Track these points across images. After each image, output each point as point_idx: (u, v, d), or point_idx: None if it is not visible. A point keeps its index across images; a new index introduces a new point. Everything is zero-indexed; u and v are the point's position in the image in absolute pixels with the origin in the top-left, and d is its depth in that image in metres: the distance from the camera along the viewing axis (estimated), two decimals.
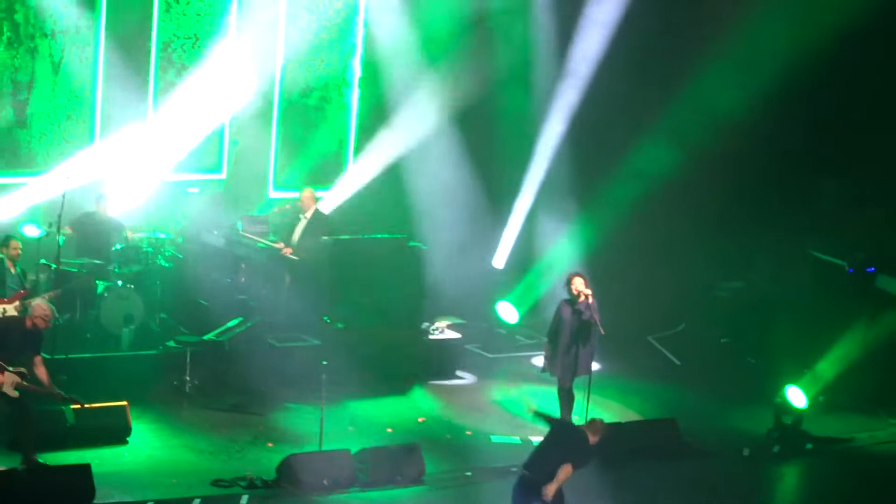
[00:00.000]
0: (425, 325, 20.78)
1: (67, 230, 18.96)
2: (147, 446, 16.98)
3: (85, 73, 20.43)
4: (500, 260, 22.73)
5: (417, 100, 22.03)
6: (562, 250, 21.41)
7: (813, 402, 18.91)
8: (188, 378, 18.56)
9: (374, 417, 18.41)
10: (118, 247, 19.62)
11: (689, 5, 20.71)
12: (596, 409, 18.26)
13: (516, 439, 18.19)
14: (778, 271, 21.03)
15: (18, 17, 19.72)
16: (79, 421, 16.55)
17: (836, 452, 18.77)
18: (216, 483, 15.86)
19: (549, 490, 13.68)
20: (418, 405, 19.16)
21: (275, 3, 21.51)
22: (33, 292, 17.35)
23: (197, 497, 15.49)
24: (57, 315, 16.70)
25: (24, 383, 15.53)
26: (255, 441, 17.38)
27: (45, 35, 20.04)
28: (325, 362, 16.60)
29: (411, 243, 21.02)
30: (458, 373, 20.89)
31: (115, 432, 16.87)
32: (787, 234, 20.97)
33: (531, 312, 21.89)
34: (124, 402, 17.05)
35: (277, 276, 20.17)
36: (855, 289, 20.51)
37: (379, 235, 20.93)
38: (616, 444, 17.48)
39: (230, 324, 19.24)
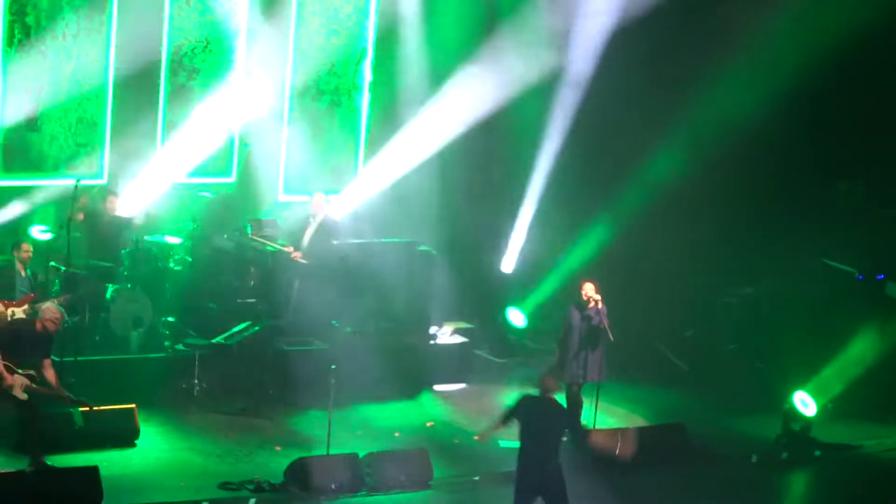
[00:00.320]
0: (434, 329, 20.81)
1: (79, 217, 18.96)
2: (155, 449, 17.05)
3: (96, 76, 20.38)
4: (508, 265, 22.70)
5: (429, 105, 21.98)
6: (571, 256, 21.36)
7: (822, 409, 18.94)
8: (197, 381, 18.61)
9: (382, 421, 18.48)
10: (127, 249, 19.59)
11: (700, 14, 20.65)
12: (604, 415, 18.43)
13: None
14: (787, 277, 20.99)
15: (29, 19, 19.72)
16: (87, 423, 16.59)
17: (844, 459, 18.81)
18: (224, 486, 15.92)
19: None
20: (426, 410, 19.23)
21: (286, 9, 21.49)
22: (43, 295, 17.32)
23: (205, 500, 15.56)
24: (66, 318, 16.72)
25: (34, 386, 15.61)
26: (263, 444, 17.44)
27: (56, 37, 19.98)
28: (333, 366, 16.65)
29: (421, 248, 21.00)
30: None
31: (124, 435, 16.94)
32: (797, 241, 20.92)
33: (539, 318, 21.93)
34: (133, 405, 17.14)
35: (286, 279, 20.12)
36: (865, 296, 20.49)
37: (388, 240, 20.93)
38: (616, 449, 17.67)
39: (239, 327, 19.24)
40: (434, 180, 22.13)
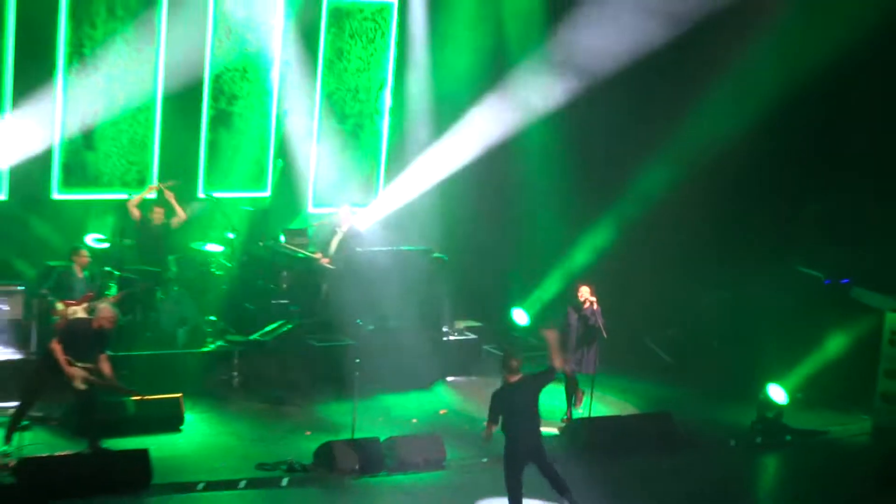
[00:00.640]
0: (446, 327, 20.84)
1: (136, 214, 19.29)
2: (198, 434, 17.12)
3: (144, 100, 20.42)
4: (511, 270, 22.69)
5: (445, 129, 22.02)
6: (569, 262, 21.37)
7: (792, 398, 18.95)
8: (235, 373, 18.76)
9: (401, 409, 18.48)
10: (174, 256, 19.71)
11: (686, 50, 20.61)
12: (598, 403, 18.39)
13: None
14: (763, 281, 20.92)
15: (86, 50, 19.78)
16: (138, 411, 16.62)
17: (812, 443, 18.75)
18: (260, 467, 15.94)
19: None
20: (440, 399, 19.24)
21: (315, 42, 21.51)
22: (99, 296, 17.41)
23: (243, 479, 15.58)
24: (120, 317, 16.79)
25: (91, 377, 15.64)
26: (294, 430, 17.48)
27: (110, 66, 20.02)
28: (358, 360, 16.69)
29: (435, 255, 20.99)
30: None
31: (171, 421, 17.00)
32: (773, 249, 20.91)
33: (541, 317, 21.85)
34: (179, 395, 17.20)
35: (315, 283, 20.21)
36: (831, 298, 20.44)
37: (406, 248, 20.91)
38: (615, 434, 17.70)
39: (273, 325, 19.29)
40: (447, 195, 22.15)
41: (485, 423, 14.31)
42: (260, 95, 21.41)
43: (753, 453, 18.43)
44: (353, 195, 21.78)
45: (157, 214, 19.79)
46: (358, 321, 19.61)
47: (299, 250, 20.48)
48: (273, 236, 20.91)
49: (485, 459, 16.58)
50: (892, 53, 19.20)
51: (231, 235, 20.67)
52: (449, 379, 20.13)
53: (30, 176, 19.69)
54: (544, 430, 18.05)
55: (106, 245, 19.34)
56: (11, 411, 15.72)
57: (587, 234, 21.58)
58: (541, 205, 22.19)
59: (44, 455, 15.10)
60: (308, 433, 17.23)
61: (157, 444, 15.99)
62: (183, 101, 20.66)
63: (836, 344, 19.52)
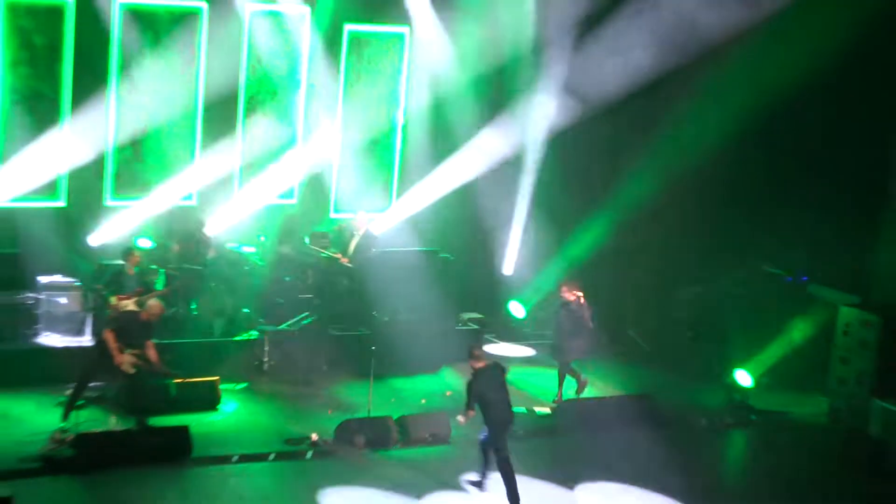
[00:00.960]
0: (452, 319, 20.85)
1: (175, 248, 19.22)
2: (233, 412, 17.23)
3: (187, 118, 20.41)
4: (509, 268, 22.74)
5: (451, 146, 22.07)
6: (559, 261, 21.37)
7: (757, 382, 19.01)
8: (266, 359, 18.80)
9: (411, 391, 18.53)
10: (212, 256, 19.74)
11: (669, 74, 20.57)
12: (588, 387, 18.45)
13: (523, 409, 18.20)
14: (732, 278, 20.86)
15: (134, 72, 19.74)
16: (180, 392, 16.78)
17: (775, 422, 18.82)
18: (287, 441, 16.10)
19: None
20: (446, 382, 19.21)
21: (337, 66, 21.52)
22: (147, 291, 17.49)
23: (272, 452, 15.74)
24: (165, 309, 16.92)
25: (139, 362, 15.80)
26: (317, 409, 17.53)
27: (155, 85, 20.01)
28: (373, 348, 16.81)
29: (442, 255, 21.02)
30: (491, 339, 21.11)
31: (209, 401, 17.12)
32: (741, 250, 20.86)
33: (535, 309, 21.89)
34: (216, 378, 17.31)
35: (336, 279, 20.22)
36: (792, 294, 20.44)
37: (416, 249, 20.95)
38: (601, 414, 17.76)
39: (299, 316, 19.47)
40: (452, 203, 22.10)
41: (462, 414, 14.60)
42: (288, 115, 21.35)
43: (723, 431, 18.46)
44: (369, 203, 21.73)
45: (196, 221, 19.86)
46: (374, 313, 19.58)
47: (322, 251, 20.50)
48: (300, 238, 20.94)
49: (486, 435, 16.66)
50: (847, 77, 19.17)
51: (262, 238, 20.75)
52: (454, 364, 19.83)
53: (86, 185, 19.68)
54: (537, 409, 18.36)
55: (152, 246, 19.37)
56: (69, 392, 15.88)
57: (578, 236, 21.44)
58: (537, 211, 22.16)
59: (97, 431, 15.29)
60: (330, 412, 17.28)
61: (197, 422, 16.17)
62: (220, 118, 20.59)
63: (796, 334, 19.50)
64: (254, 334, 18.99)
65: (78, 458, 14.62)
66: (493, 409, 14.48)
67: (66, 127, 19.28)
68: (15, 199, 19.03)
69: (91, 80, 19.39)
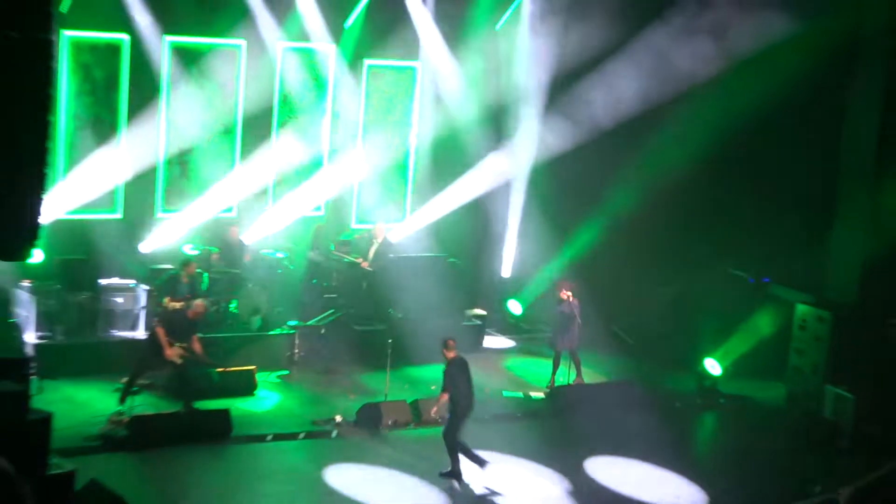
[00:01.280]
0: (459, 314, 20.86)
1: (215, 257, 19.29)
2: (268, 397, 17.29)
3: (227, 140, 20.44)
4: (507, 271, 22.82)
5: (459, 165, 22.12)
6: (552, 265, 21.39)
7: (725, 370, 19.05)
8: (296, 351, 18.84)
9: (423, 378, 18.50)
10: (248, 261, 19.79)
11: (649, 105, 20.54)
12: (575, 374, 18.48)
13: (519, 394, 18.38)
14: (703, 280, 20.75)
15: (180, 100, 19.77)
16: (222, 380, 16.89)
17: (740, 405, 18.87)
18: (315, 422, 16.18)
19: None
20: None
21: (358, 95, 21.61)
22: (196, 297, 17.42)
23: (302, 432, 15.85)
24: (209, 308, 17.02)
25: (186, 354, 15.90)
26: (341, 394, 17.61)
27: (200, 116, 20.05)
28: (390, 341, 16.88)
29: (450, 260, 21.07)
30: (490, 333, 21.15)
31: (246, 387, 17.19)
32: (710, 255, 20.74)
33: (530, 307, 21.95)
34: (253, 367, 17.40)
35: (357, 282, 20.24)
36: (755, 293, 20.38)
37: (427, 255, 21.04)
38: (588, 398, 17.82)
39: (325, 314, 19.51)
40: (459, 215, 22.10)
41: (439, 404, 14.80)
42: (315, 139, 21.39)
43: (694, 412, 18.54)
44: (386, 215, 21.70)
45: (234, 231, 19.90)
46: (390, 311, 19.61)
47: (345, 256, 20.51)
48: (325, 245, 20.92)
49: (486, 417, 16.73)
50: (797, 102, 19.18)
51: (291, 245, 20.78)
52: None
53: (139, 198, 19.73)
54: (532, 394, 18.42)
55: (197, 252, 19.43)
56: (125, 380, 15.97)
57: (569, 243, 21.39)
58: (532, 222, 22.11)
59: (150, 413, 15.41)
60: (352, 396, 17.37)
61: (236, 405, 16.26)
62: (256, 140, 20.57)
63: (758, 328, 19.48)
64: (286, 329, 19.00)
65: (132, 437, 14.74)
66: (461, 397, 14.55)
67: (122, 148, 19.34)
68: (79, 211, 19.07)
69: (143, 106, 19.43)
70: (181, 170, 20.21)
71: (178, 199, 20.18)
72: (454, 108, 22.11)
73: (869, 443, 16.60)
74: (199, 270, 18.26)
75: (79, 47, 18.88)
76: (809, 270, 19.35)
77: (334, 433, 15.92)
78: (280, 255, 20.37)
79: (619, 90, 20.80)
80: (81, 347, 17.52)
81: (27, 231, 10.18)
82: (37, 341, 17.21)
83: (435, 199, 21.95)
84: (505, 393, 18.39)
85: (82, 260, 18.48)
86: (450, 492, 14.32)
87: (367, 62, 21.53)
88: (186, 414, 15.63)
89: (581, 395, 17.98)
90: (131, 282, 18.57)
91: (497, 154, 22.10)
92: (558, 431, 16.83)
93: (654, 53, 20.37)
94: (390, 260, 20.31)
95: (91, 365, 17.07)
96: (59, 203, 18.61)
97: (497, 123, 22.27)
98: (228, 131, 20.41)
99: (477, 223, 22.43)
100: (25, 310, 17.56)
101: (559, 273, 20.59)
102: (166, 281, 18.01)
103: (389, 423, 16.16)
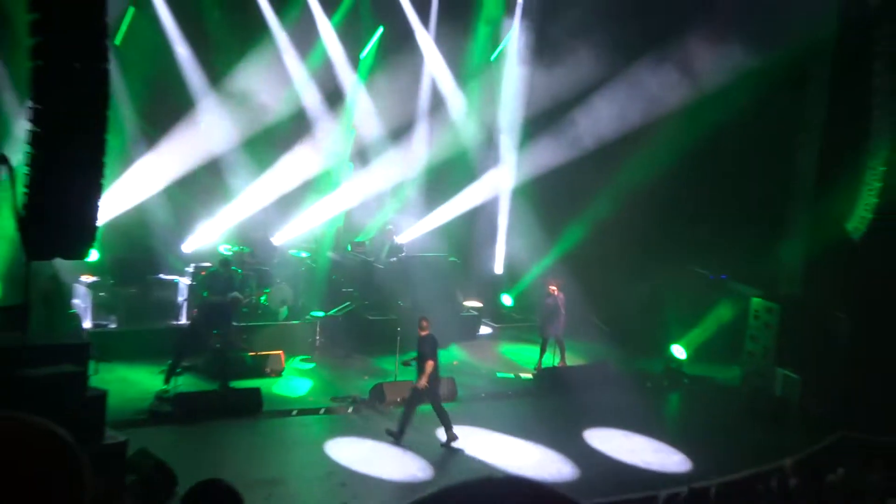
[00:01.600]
0: (458, 307, 20.94)
1: (248, 254, 19.23)
2: (293, 377, 17.29)
3: (261, 152, 20.40)
4: (499, 268, 22.84)
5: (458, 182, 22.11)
6: (540, 263, 21.42)
7: (689, 354, 19.08)
8: (318, 337, 18.86)
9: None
10: (276, 259, 19.88)
11: (626, 129, 20.64)
12: (558, 358, 18.55)
13: (511, 375, 18.43)
14: (671, 277, 20.77)
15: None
16: (253, 362, 16.89)
17: (702, 385, 18.88)
18: (334, 399, 16.19)
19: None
20: (453, 354, 19.18)
21: (373, 113, 21.62)
22: (230, 289, 17.37)
23: (322, 407, 15.86)
24: (242, 300, 17.06)
25: (222, 339, 15.92)
26: (356, 375, 17.58)
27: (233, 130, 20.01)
28: (399, 329, 16.92)
29: (451, 258, 21.09)
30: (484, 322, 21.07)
31: (275, 369, 17.16)
32: (677, 255, 20.79)
33: (520, 300, 22.00)
34: (280, 351, 17.42)
35: (370, 278, 20.30)
36: (715, 288, 20.46)
37: (431, 254, 21.02)
38: (571, 378, 17.85)
39: (343, 305, 19.56)
40: (460, 221, 22.10)
41: (424, 378, 14.55)
42: (335, 154, 21.40)
43: (662, 392, 18.56)
44: (396, 220, 21.75)
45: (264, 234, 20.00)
46: (399, 303, 19.63)
47: (360, 256, 20.62)
48: (343, 246, 21.04)
49: (483, 395, 16.79)
50: (753, 126, 19.24)
51: (314, 246, 20.82)
52: (458, 341, 19.97)
53: (182, 203, 19.67)
54: (522, 375, 18.44)
55: (232, 251, 19.49)
56: (170, 362, 15.96)
57: (555, 243, 21.39)
58: (522, 224, 22.16)
59: (191, 391, 15.44)
60: (366, 377, 17.37)
61: (266, 385, 16.28)
62: (283, 153, 20.51)
63: (717, 318, 19.52)
64: (309, 319, 19.03)
65: (176, 412, 14.78)
66: (436, 370, 14.54)
67: (166, 157, 19.29)
68: (130, 215, 19.07)
69: (184, 119, 19.44)
70: (218, 177, 20.17)
71: (216, 203, 20.15)
72: (458, 131, 22.18)
73: (813, 418, 16.63)
74: (234, 268, 18.36)
75: (131, 70, 18.89)
76: (761, 269, 19.39)
77: (350, 409, 15.97)
78: (304, 254, 20.41)
79: (599, 114, 20.84)
80: (132, 334, 17.59)
81: (86, 234, 10.30)
82: (93, 329, 17.31)
83: (439, 207, 21.96)
84: (498, 374, 18.47)
85: (132, 258, 18.56)
86: (441, 462, 14.26)
87: (378, 86, 21.55)
88: (223, 392, 15.65)
89: (564, 375, 18.03)
90: (175, 277, 18.69)
91: (494, 170, 22.15)
92: (545, 407, 16.87)
93: (630, 83, 20.43)
94: (399, 259, 20.34)
95: (140, 349, 17.07)
96: (112, 207, 18.68)
97: (493, 143, 22.30)
98: (262, 143, 20.35)
99: (474, 227, 22.45)
100: (83, 301, 17.66)
101: (547, 270, 20.61)
102: (205, 277, 18.10)
103: (399, 400, 16.05)
